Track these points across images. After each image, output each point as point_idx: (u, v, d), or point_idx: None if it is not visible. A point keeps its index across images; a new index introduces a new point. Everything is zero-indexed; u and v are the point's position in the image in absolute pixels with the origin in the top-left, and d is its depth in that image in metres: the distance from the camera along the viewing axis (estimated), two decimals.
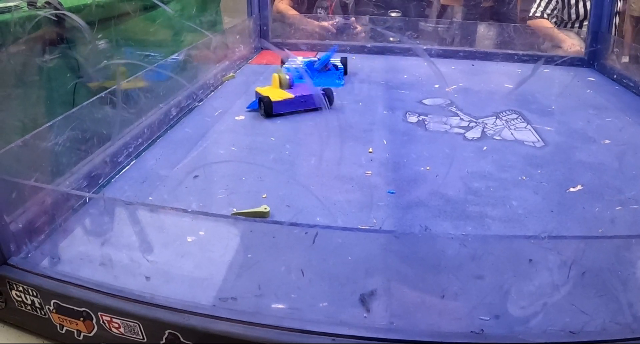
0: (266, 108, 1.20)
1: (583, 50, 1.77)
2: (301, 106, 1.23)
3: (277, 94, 1.23)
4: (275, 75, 1.28)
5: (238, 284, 0.59)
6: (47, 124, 0.78)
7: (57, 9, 1.45)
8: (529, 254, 0.61)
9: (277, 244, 0.58)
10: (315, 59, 1.51)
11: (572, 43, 2.05)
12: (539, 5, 2.45)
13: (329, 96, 1.25)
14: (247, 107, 1.25)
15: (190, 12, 1.95)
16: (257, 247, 0.61)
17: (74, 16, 0.86)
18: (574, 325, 0.56)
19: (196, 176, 0.89)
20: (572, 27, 2.39)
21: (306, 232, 0.55)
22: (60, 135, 0.80)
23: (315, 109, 1.23)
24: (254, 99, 1.27)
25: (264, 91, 1.27)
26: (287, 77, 1.28)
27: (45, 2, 1.42)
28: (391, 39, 1.96)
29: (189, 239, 0.68)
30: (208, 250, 0.65)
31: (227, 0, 2.11)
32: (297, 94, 1.23)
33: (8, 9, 1.40)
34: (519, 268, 0.61)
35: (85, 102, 0.90)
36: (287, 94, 1.23)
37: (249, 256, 0.58)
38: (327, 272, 0.59)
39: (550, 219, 0.82)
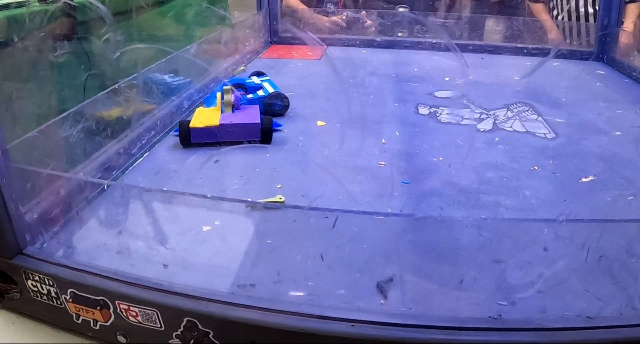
0: (182, 135, 0.99)
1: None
2: (227, 137, 0.99)
3: (205, 119, 1.01)
4: (219, 93, 1.06)
5: (256, 271, 0.59)
6: (62, 115, 0.78)
7: (67, 2, 1.46)
8: (545, 238, 0.61)
9: (296, 230, 0.58)
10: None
11: (554, 38, 2.07)
12: None
13: (265, 128, 1.01)
14: (174, 131, 1.05)
15: (198, 5, 1.95)
16: (276, 233, 0.61)
17: (94, 1, 0.86)
18: (590, 310, 0.56)
19: (217, 161, 0.88)
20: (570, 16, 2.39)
21: (326, 217, 0.55)
22: (74, 126, 0.80)
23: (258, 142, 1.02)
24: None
25: (200, 112, 1.05)
26: (231, 95, 1.05)
27: None
28: (399, 34, 1.96)
29: (206, 228, 0.69)
30: (226, 237, 0.65)
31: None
32: (225, 122, 0.99)
33: (21, 4, 1.41)
34: (536, 252, 0.61)
35: (99, 94, 0.91)
36: (214, 120, 1.00)
37: (268, 241, 0.58)
38: (345, 258, 0.59)
39: (563, 208, 0.82)
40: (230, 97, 1.04)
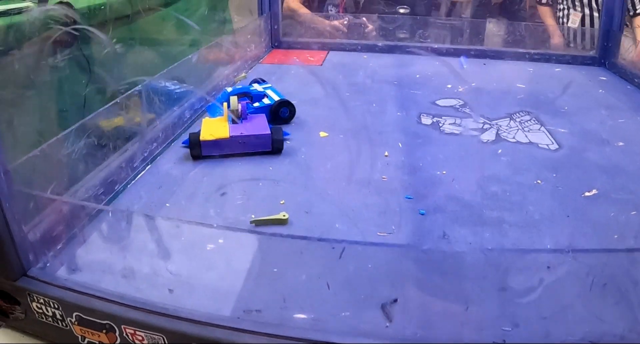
0: (193, 148, 0.98)
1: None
2: (238, 149, 1.00)
3: (214, 130, 1.00)
4: (225, 103, 1.06)
5: (262, 295, 0.59)
6: (63, 133, 0.78)
7: (69, 7, 1.45)
8: (550, 264, 0.61)
9: (303, 257, 0.58)
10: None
11: (557, 42, 2.08)
12: None
13: (276, 139, 1.01)
14: (183, 142, 1.05)
15: (198, 10, 1.94)
16: (281, 257, 0.61)
17: (93, 30, 0.86)
18: (593, 335, 0.56)
19: (224, 194, 0.84)
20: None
21: (333, 247, 0.55)
22: (76, 143, 0.80)
23: (263, 153, 1.02)
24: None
25: (207, 123, 1.04)
26: (239, 107, 1.05)
27: (57, 3, 1.42)
28: (401, 35, 1.96)
29: (211, 250, 0.69)
30: (230, 259, 0.65)
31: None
32: (236, 133, 1.00)
33: (19, 10, 1.40)
34: (540, 278, 0.61)
35: (101, 109, 0.90)
36: (224, 132, 1.00)
37: (275, 270, 0.58)
38: (349, 280, 0.59)
39: (567, 224, 0.82)
40: (237, 107, 1.04)
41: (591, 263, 0.60)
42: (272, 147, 1.01)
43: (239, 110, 1.05)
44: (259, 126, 1.03)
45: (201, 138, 0.98)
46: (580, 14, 2.30)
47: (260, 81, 1.29)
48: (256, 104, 1.15)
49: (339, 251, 0.54)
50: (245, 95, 1.16)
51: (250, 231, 0.68)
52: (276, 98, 1.16)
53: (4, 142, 0.63)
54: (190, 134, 1.00)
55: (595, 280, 0.57)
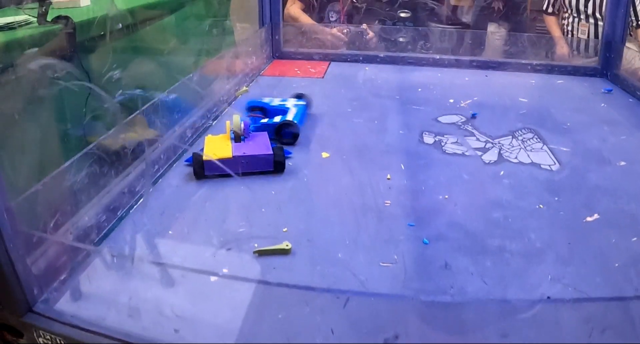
0: (197, 167, 0.99)
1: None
2: (240, 169, 1.01)
3: (217, 149, 1.01)
4: (228, 122, 1.08)
5: (267, 339, 0.60)
6: (65, 165, 0.78)
7: (67, 21, 1.45)
8: (552, 314, 0.61)
9: (308, 305, 0.59)
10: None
11: (563, 52, 2.09)
12: (548, 0, 2.47)
13: (278, 161, 1.02)
14: (186, 160, 1.06)
15: (197, 21, 1.94)
16: (286, 307, 0.61)
17: (94, 86, 0.86)
18: None
19: (229, 249, 0.80)
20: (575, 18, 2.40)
21: (337, 297, 0.55)
22: (78, 173, 0.80)
23: (267, 172, 1.02)
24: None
25: (210, 141, 1.06)
26: (241, 125, 1.05)
27: (56, 17, 1.42)
28: (401, 39, 1.95)
29: (214, 278, 0.69)
30: (235, 295, 0.65)
31: (236, 9, 2.10)
32: (238, 154, 1.01)
33: (18, 24, 1.40)
34: (543, 329, 0.61)
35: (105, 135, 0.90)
36: (227, 152, 1.01)
37: (279, 316, 0.58)
38: (354, 327, 0.59)
39: (568, 252, 0.82)
40: (240, 126, 1.05)
41: (592, 310, 0.60)
42: (275, 168, 1.02)
43: (242, 128, 1.05)
44: (261, 145, 1.04)
45: (204, 158, 0.99)
46: (587, 25, 2.30)
47: (300, 97, 1.29)
48: (264, 120, 1.15)
49: (344, 301, 0.54)
50: (259, 109, 1.16)
51: (256, 281, 0.68)
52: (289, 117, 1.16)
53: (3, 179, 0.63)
54: (193, 154, 1.01)
55: (595, 328, 0.57)
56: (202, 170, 0.99)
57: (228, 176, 1.00)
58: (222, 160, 0.99)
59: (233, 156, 1.00)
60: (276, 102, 1.23)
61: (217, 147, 1.02)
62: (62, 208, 0.78)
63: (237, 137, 1.05)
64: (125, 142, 0.95)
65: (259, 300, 0.61)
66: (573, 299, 0.65)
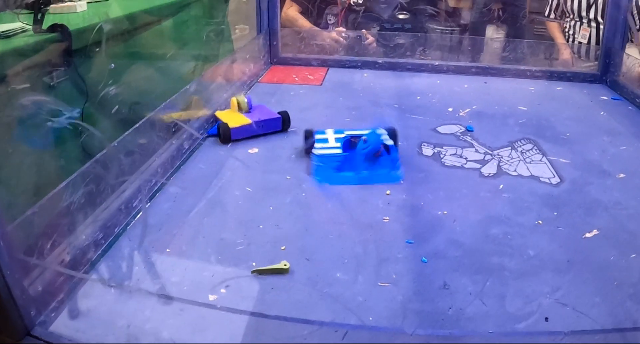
0: (224, 134, 1.22)
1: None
2: (259, 131, 1.26)
3: (235, 120, 1.25)
4: (234, 99, 1.30)
5: None
6: (61, 186, 0.77)
7: (63, 31, 1.44)
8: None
9: (306, 339, 0.58)
10: (355, 134, 1.12)
11: (566, 58, 2.09)
12: (550, 5, 2.47)
13: (285, 119, 1.28)
14: (207, 132, 1.27)
15: (195, 26, 1.93)
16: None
17: (86, 125, 0.86)
18: None
19: (227, 286, 0.77)
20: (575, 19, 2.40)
21: (336, 331, 0.55)
22: (74, 193, 0.79)
23: (275, 132, 1.28)
24: None
25: (223, 115, 1.29)
26: (246, 100, 1.30)
27: (51, 25, 1.41)
28: (401, 41, 1.95)
29: (212, 297, 0.69)
30: (235, 337, 0.65)
31: (233, 14, 2.09)
32: (255, 119, 1.26)
33: (13, 33, 1.39)
34: None
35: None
36: (245, 119, 1.26)
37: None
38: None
39: (567, 269, 0.82)
40: (245, 101, 1.30)
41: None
42: (282, 127, 1.28)
43: (246, 103, 1.30)
44: (268, 112, 1.30)
45: (231, 126, 1.22)
46: (588, 29, 2.30)
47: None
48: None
49: (342, 334, 0.54)
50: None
51: (253, 314, 0.67)
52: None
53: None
54: (219, 124, 1.23)
55: None
56: (229, 136, 1.22)
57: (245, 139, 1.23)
58: (244, 126, 1.23)
59: (252, 122, 1.24)
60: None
61: (232, 118, 1.26)
62: (59, 228, 0.77)
63: (245, 109, 1.29)
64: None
65: (255, 331, 0.61)
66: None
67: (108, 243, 0.86)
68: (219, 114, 1.30)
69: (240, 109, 1.29)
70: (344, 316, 0.68)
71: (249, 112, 1.30)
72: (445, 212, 0.95)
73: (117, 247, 0.85)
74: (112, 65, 1.38)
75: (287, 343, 0.58)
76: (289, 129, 1.30)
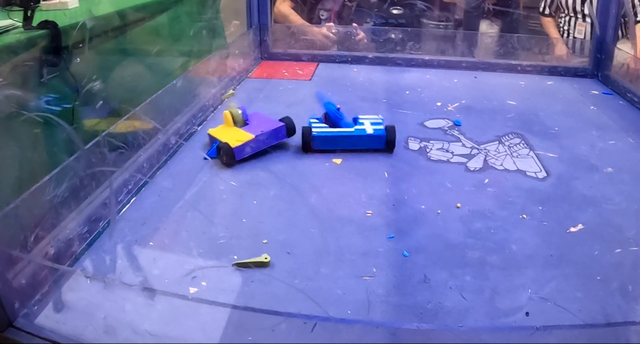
0: (226, 156, 1.07)
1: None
2: (265, 145, 1.12)
3: (234, 136, 1.09)
4: (227, 112, 1.15)
5: None
6: (45, 179, 0.77)
7: (54, 28, 1.44)
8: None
9: (275, 330, 0.58)
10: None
11: (560, 54, 2.08)
12: (545, 1, 2.47)
13: (289, 126, 1.15)
14: (208, 154, 1.12)
15: (188, 20, 1.92)
16: (255, 332, 0.61)
17: (61, 121, 0.86)
18: None
19: (195, 277, 0.77)
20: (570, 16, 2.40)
21: (305, 322, 0.55)
22: (57, 187, 0.79)
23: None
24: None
25: (219, 133, 1.13)
26: (240, 112, 1.15)
27: (41, 22, 1.40)
28: (392, 36, 1.94)
29: (193, 289, 0.69)
30: (205, 329, 0.65)
31: (226, 10, 2.08)
32: (257, 133, 1.10)
33: (4, 30, 1.38)
34: None
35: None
36: (246, 135, 1.10)
37: (250, 338, 0.58)
38: None
39: (549, 264, 0.82)
40: (239, 113, 1.15)
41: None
42: (288, 134, 1.14)
43: (241, 115, 1.15)
44: (268, 121, 1.15)
45: (233, 146, 1.06)
46: (584, 25, 2.29)
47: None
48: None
49: (311, 326, 0.54)
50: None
51: (225, 305, 0.67)
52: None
53: None
54: (218, 145, 1.09)
55: None
56: (233, 157, 1.06)
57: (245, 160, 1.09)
58: (247, 143, 1.08)
59: (255, 137, 1.09)
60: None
61: (231, 135, 1.10)
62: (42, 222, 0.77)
63: (241, 122, 1.15)
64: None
65: (227, 322, 0.61)
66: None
67: (93, 237, 0.86)
68: (212, 132, 1.14)
69: (235, 122, 1.14)
70: (321, 310, 0.69)
71: (247, 124, 1.15)
72: (429, 206, 0.95)
73: (101, 241, 0.85)
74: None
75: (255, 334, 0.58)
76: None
